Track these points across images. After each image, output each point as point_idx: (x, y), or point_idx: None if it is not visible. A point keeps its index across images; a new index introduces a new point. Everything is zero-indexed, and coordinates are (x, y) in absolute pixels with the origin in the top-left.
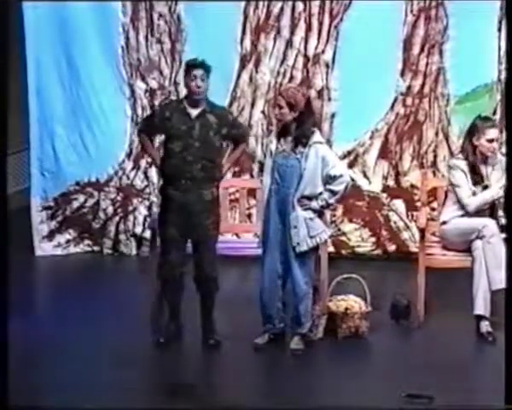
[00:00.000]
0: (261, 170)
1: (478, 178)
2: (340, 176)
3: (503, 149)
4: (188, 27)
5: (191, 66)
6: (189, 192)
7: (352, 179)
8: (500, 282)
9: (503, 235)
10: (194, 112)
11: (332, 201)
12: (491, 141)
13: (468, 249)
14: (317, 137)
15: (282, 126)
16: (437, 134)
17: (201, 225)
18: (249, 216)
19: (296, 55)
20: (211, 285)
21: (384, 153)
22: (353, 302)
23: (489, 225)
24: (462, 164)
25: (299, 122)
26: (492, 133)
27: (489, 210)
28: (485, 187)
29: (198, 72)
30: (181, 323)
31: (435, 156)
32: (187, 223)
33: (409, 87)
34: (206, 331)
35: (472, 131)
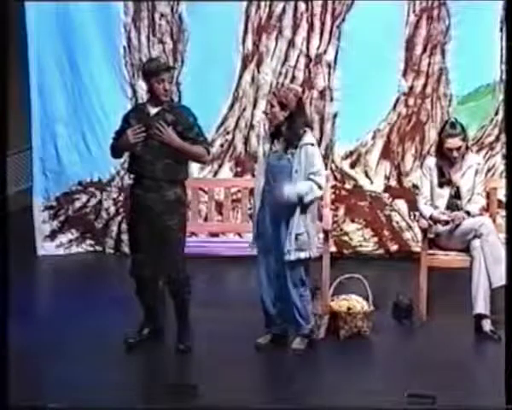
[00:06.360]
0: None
1: (444, 181)
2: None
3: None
4: (189, 27)
5: (161, 69)
6: (152, 192)
7: (355, 179)
8: (500, 279)
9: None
10: (153, 110)
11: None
12: (450, 150)
13: (467, 249)
14: (308, 138)
15: (274, 127)
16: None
17: (164, 226)
18: (251, 216)
19: (298, 56)
20: (179, 288)
21: (386, 153)
22: (355, 302)
23: (485, 223)
24: (432, 163)
25: (290, 122)
26: (451, 143)
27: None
28: (458, 188)
29: (166, 75)
30: (158, 326)
31: None
32: (150, 223)
33: (411, 87)
34: (179, 336)
35: (440, 134)
